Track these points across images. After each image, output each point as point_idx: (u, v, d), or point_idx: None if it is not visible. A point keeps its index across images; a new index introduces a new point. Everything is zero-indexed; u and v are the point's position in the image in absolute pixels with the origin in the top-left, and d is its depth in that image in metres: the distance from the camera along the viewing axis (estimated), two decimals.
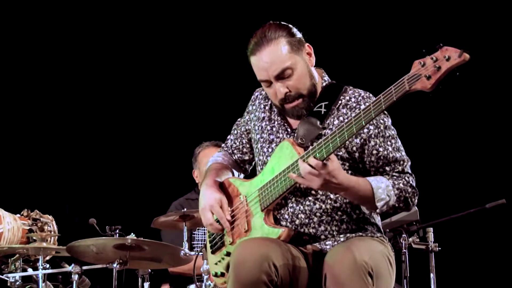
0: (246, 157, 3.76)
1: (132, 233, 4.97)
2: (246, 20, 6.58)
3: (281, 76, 3.33)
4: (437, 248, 5.14)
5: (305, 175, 3.13)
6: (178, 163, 6.60)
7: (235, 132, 3.76)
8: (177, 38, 7.44)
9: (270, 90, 3.40)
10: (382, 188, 3.26)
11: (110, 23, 7.39)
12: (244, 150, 3.74)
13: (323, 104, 3.38)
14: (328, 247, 3.34)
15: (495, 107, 6.72)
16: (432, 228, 5.16)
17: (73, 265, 4.97)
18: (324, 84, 3.47)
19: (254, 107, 3.64)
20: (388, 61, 6.44)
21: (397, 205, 3.29)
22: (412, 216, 5.03)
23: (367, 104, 3.08)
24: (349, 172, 3.35)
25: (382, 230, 3.50)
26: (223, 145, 3.85)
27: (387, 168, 3.35)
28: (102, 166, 7.40)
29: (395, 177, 3.33)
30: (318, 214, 3.36)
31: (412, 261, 5.00)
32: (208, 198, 3.51)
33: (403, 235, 4.93)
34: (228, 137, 3.82)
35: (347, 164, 3.36)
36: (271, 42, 3.33)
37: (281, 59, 3.33)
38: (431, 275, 5.14)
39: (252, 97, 3.68)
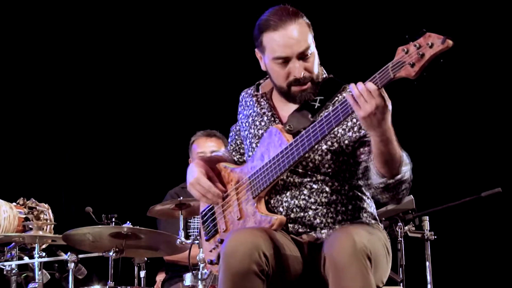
0: (245, 157, 3.70)
1: (128, 222, 4.95)
2: (239, 17, 6.67)
3: (304, 54, 3.27)
4: (433, 237, 5.14)
5: (358, 97, 2.97)
6: (174, 152, 6.61)
7: (231, 134, 3.75)
8: (170, 31, 7.42)
9: (283, 69, 3.30)
10: (404, 155, 3.16)
11: (100, 18, 7.39)
12: (241, 151, 3.71)
13: (318, 98, 3.31)
14: (324, 235, 3.32)
15: (490, 96, 6.72)
16: (427, 217, 5.17)
17: (69, 253, 4.94)
18: (324, 76, 3.41)
19: (242, 107, 3.62)
20: (372, 46, 6.42)
21: (407, 184, 3.17)
22: (408, 204, 5.02)
23: None
24: (340, 170, 3.31)
25: (377, 218, 3.46)
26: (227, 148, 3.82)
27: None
28: (97, 154, 7.39)
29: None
30: (313, 207, 3.33)
31: (407, 249, 5.04)
32: (193, 172, 3.50)
33: (398, 224, 4.94)
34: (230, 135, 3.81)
35: (338, 158, 3.30)
36: (297, 19, 3.28)
37: (306, 38, 3.28)
38: (427, 263, 5.15)
39: (240, 97, 3.66)
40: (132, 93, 7.46)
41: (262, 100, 3.51)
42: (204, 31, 7.37)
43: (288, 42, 3.27)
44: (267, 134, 3.36)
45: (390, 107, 3.03)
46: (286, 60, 3.29)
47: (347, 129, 3.30)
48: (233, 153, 3.74)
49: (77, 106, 7.40)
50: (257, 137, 3.47)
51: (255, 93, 3.55)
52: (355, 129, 3.29)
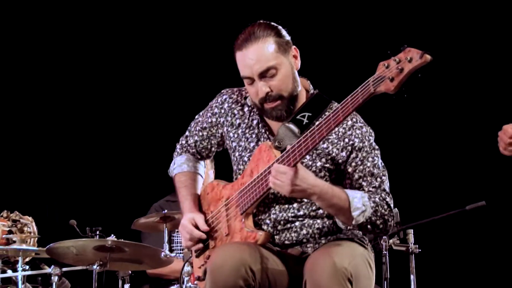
0: (213, 153, 3.73)
1: (112, 235, 4.96)
2: (223, 26, 6.69)
3: (265, 74, 3.29)
4: (417, 250, 5.15)
5: (272, 180, 3.12)
6: (158, 165, 6.56)
7: (201, 133, 3.67)
8: (157, 43, 7.43)
9: (252, 88, 3.35)
10: (358, 197, 3.20)
11: (87, 28, 7.38)
12: (213, 149, 3.69)
13: (306, 114, 3.33)
14: (309, 249, 3.33)
15: (474, 109, 6.72)
16: (412, 230, 5.17)
17: (53, 266, 4.95)
18: (311, 92, 3.44)
19: (222, 111, 3.57)
20: (357, 60, 6.42)
21: (373, 218, 3.22)
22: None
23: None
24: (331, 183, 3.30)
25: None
26: (182, 143, 3.77)
27: (363, 183, 3.30)
28: (82, 167, 7.35)
29: (371, 192, 3.28)
30: (300, 219, 3.34)
31: (392, 262, 5.00)
32: (183, 220, 3.54)
33: (383, 237, 4.90)
34: (188, 134, 3.73)
35: (330, 178, 3.33)
36: (259, 40, 3.29)
37: (266, 58, 3.29)
38: (411, 276, 5.15)
39: (219, 98, 3.61)
40: (118, 107, 7.43)
41: (252, 111, 3.51)
42: (188, 49, 7.40)
43: (248, 63, 3.31)
44: (257, 151, 3.36)
45: (305, 169, 3.14)
46: (252, 79, 3.33)
47: (340, 148, 3.32)
48: (202, 151, 3.70)
49: (61, 119, 7.37)
50: (248, 150, 3.46)
51: (243, 101, 3.55)
52: (348, 148, 3.32)
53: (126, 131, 7.41)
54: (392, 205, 3.30)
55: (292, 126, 3.30)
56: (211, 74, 7.08)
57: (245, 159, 3.46)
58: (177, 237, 5.70)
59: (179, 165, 3.74)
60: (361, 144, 3.32)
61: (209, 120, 3.63)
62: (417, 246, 5.16)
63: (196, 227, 3.49)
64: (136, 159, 7.37)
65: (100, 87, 7.43)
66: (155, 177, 6.62)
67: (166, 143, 6.20)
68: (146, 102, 7.47)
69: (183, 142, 3.76)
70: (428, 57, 2.82)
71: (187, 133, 3.75)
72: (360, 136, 3.32)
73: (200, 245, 3.50)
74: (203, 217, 3.52)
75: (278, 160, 3.18)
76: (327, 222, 3.35)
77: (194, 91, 7.14)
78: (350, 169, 3.31)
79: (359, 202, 3.19)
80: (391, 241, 5.04)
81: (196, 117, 3.72)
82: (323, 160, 3.32)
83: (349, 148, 3.31)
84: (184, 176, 3.70)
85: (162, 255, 4.90)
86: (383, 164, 3.36)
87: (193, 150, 3.73)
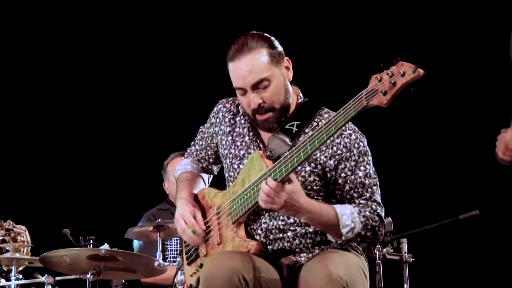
0: (214, 165, 3.76)
1: (105, 244, 4.95)
2: (217, 32, 6.78)
3: (258, 86, 3.30)
4: (411, 259, 5.17)
5: (263, 197, 3.11)
6: (151, 174, 6.59)
7: (201, 143, 3.74)
8: (145, 50, 7.43)
9: (244, 99, 3.37)
10: (347, 214, 3.22)
11: (73, 32, 7.37)
12: (211, 160, 3.73)
13: (295, 123, 3.35)
14: (303, 259, 3.33)
15: (467, 117, 6.73)
16: (406, 239, 5.18)
17: (46, 275, 4.96)
18: (299, 101, 3.45)
19: (218, 120, 3.61)
20: (349, 72, 6.42)
21: (363, 233, 3.25)
22: (386, 227, 4.94)
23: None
24: (321, 191, 3.33)
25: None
26: (188, 150, 3.82)
27: (354, 194, 3.31)
28: (75, 176, 7.34)
29: (361, 205, 3.28)
30: (292, 228, 3.34)
31: (386, 272, 5.03)
32: (181, 209, 3.50)
33: (377, 246, 4.92)
34: (193, 143, 3.80)
35: (320, 182, 3.33)
36: (252, 51, 3.30)
37: (259, 69, 3.30)
38: (405, 286, 5.16)
39: (215, 108, 3.65)
40: (111, 116, 7.43)
41: (242, 119, 3.52)
42: (179, 56, 7.40)
43: (241, 74, 3.32)
44: (249, 160, 3.35)
45: (298, 187, 3.13)
46: (244, 90, 3.34)
47: (328, 156, 3.32)
48: (201, 160, 3.75)
49: (54, 126, 7.37)
50: (238, 158, 3.47)
51: (235, 110, 3.57)
52: (336, 157, 3.31)
53: (119, 140, 7.41)
54: (383, 215, 3.31)
55: (282, 136, 3.29)
56: (204, 84, 7.08)
57: (235, 166, 3.47)
58: (171, 245, 5.70)
59: (183, 166, 3.78)
60: (348, 154, 3.31)
61: (208, 131, 3.67)
62: (410, 255, 5.17)
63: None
64: (129, 168, 7.35)
65: (95, 95, 7.42)
66: (147, 186, 6.75)
67: (158, 153, 6.30)
68: (138, 112, 7.47)
69: (189, 148, 3.82)
70: (421, 71, 2.83)
71: (192, 142, 3.80)
72: (348, 145, 3.32)
73: (192, 235, 3.45)
74: (201, 213, 3.50)
75: (270, 170, 3.16)
76: (319, 232, 3.35)
77: (186, 101, 7.19)
78: (340, 180, 3.31)
79: (348, 219, 3.22)
80: (384, 250, 5.06)
81: (200, 127, 3.77)
82: (312, 165, 3.32)
83: (337, 157, 3.31)
84: (186, 173, 3.72)
85: (156, 264, 4.90)
86: (374, 171, 3.37)
87: (196, 159, 3.78)
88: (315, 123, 3.38)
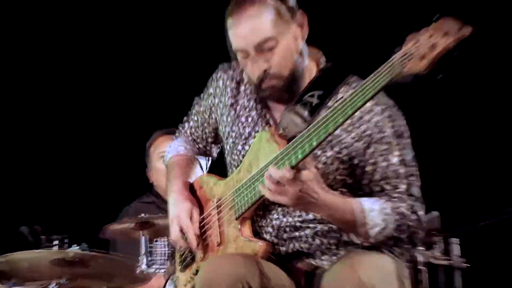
0: (213, 146, 3.83)
1: (74, 245, 4.95)
2: None
3: (262, 47, 3.33)
4: (464, 264, 5.16)
5: (270, 186, 3.13)
6: (130, 160, 6.62)
7: (196, 118, 3.80)
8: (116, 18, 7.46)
9: (246, 64, 3.42)
10: (377, 211, 3.25)
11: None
12: (209, 140, 3.79)
13: (315, 93, 3.37)
14: (325, 263, 3.36)
15: None
16: (457, 239, 5.18)
17: None
18: (321, 66, 3.48)
19: (218, 90, 3.67)
20: (380, 31, 6.42)
21: (396, 235, 3.27)
22: (431, 223, 4.97)
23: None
24: (346, 182, 3.36)
25: None
26: (179, 128, 3.88)
27: (386, 186, 3.34)
28: (36, 164, 7.37)
29: (395, 200, 3.31)
30: (311, 225, 3.37)
31: (432, 280, 5.02)
32: (177, 207, 3.55)
33: (419, 248, 4.88)
34: (185, 119, 3.86)
35: (345, 171, 3.36)
36: (255, 4, 3.34)
37: (264, 27, 3.33)
38: None
39: (214, 75, 3.70)
40: (79, 85, 7.47)
41: (248, 89, 3.57)
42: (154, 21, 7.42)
43: (241, 32, 3.37)
44: (257, 140, 3.40)
45: (315, 176, 3.14)
46: (246, 52, 3.38)
47: (356, 138, 3.35)
48: (197, 140, 3.82)
49: (16, 108, 7.43)
50: (242, 137, 3.52)
51: (239, 77, 3.62)
52: (365, 139, 3.34)
53: (92, 116, 7.46)
54: (422, 214, 3.33)
55: (299, 109, 3.33)
56: (198, 43, 7.08)
57: (239, 147, 3.52)
58: (157, 247, 5.64)
59: (175, 147, 3.84)
60: (380, 135, 3.33)
61: (205, 103, 3.74)
62: (463, 259, 5.17)
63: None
64: (103, 155, 7.39)
65: (59, 83, 7.47)
66: (125, 175, 6.88)
67: (140, 131, 6.31)
68: (115, 80, 7.48)
69: (181, 125, 3.88)
70: (468, 30, 2.84)
71: (186, 117, 3.86)
72: (379, 123, 3.33)
73: (186, 244, 3.51)
74: (198, 212, 3.54)
75: (283, 153, 3.17)
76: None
77: (176, 65, 7.23)
78: (369, 168, 3.34)
79: (378, 217, 3.25)
80: (430, 253, 5.05)
81: (195, 99, 3.82)
82: (336, 148, 3.34)
83: (366, 139, 3.33)
84: (179, 157, 3.78)
85: (138, 270, 4.94)
86: (413, 157, 3.38)
87: (190, 138, 3.84)
88: (340, 95, 3.38)
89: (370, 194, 3.34)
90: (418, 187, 3.36)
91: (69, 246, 4.97)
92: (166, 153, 3.89)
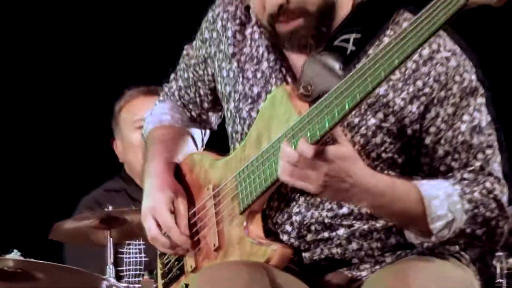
0: (212, 113, 3.78)
1: (15, 251, 4.97)
2: None
3: None
4: None
5: (287, 168, 3.00)
6: (88, 129, 6.66)
7: (186, 75, 3.76)
8: None
9: None
10: (441, 198, 3.12)
11: None
12: (206, 104, 3.74)
13: (351, 36, 3.24)
14: (364, 274, 3.27)
15: None
16: None
17: None
18: (359, 0, 3.37)
19: (215, 34, 3.59)
20: None
21: (469, 230, 3.15)
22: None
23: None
24: (395, 161, 3.26)
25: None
26: (164, 88, 3.85)
27: (453, 164, 3.22)
28: None
29: (466, 182, 3.19)
30: (346, 222, 3.30)
31: None
32: (153, 197, 3.46)
33: (497, 254, 4.96)
34: (173, 76, 3.84)
35: (393, 146, 3.25)
36: None
37: None
38: None
39: (210, 13, 3.64)
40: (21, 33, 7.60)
41: (257, 33, 3.48)
42: None
43: None
44: (268, 102, 3.30)
45: (349, 152, 3.02)
46: None
47: (408, 99, 3.23)
48: (189, 106, 3.76)
49: None
50: (250, 99, 3.43)
51: (244, 17, 3.54)
52: (422, 100, 3.21)
53: (38, 73, 7.64)
54: (504, 200, 3.20)
55: (327, 58, 3.24)
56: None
57: (245, 114, 3.44)
58: (129, 253, 5.74)
59: (157, 115, 3.78)
60: (443, 94, 3.22)
61: (198, 53, 3.67)
62: None
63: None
64: (53, 121, 7.58)
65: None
66: (82, 156, 7.23)
67: (105, 89, 6.17)
68: (68, 23, 7.65)
69: (167, 85, 3.84)
70: None
71: (173, 74, 3.82)
72: (442, 77, 3.22)
73: (170, 244, 3.43)
74: (186, 203, 3.45)
75: (305, 119, 3.04)
76: (393, 229, 3.29)
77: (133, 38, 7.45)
78: (428, 140, 3.24)
79: (443, 207, 3.12)
80: (511, 260, 5.07)
81: (185, 47, 3.77)
82: (380, 115, 3.24)
83: (423, 99, 3.22)
84: (163, 129, 3.71)
85: (104, 285, 4.82)
86: (489, 122, 3.27)
87: (179, 103, 3.80)
88: (386, 38, 3.25)
89: (430, 176, 3.23)
90: (498, 163, 3.25)
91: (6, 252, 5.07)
92: (146, 123, 3.84)
